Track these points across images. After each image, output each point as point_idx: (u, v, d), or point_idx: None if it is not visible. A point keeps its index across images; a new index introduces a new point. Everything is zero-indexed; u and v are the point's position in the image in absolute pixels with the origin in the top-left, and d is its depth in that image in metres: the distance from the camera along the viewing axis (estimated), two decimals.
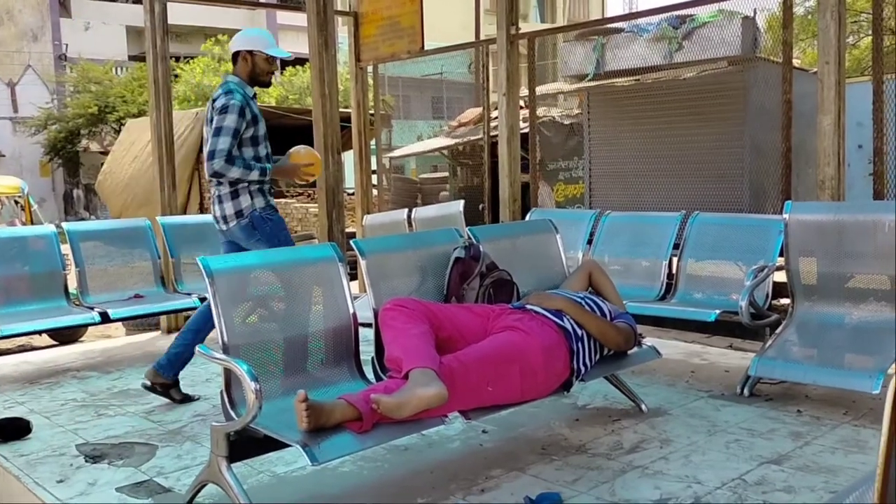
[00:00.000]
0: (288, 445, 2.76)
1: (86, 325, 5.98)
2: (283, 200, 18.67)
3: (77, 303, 5.61)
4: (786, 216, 4.31)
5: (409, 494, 3.11)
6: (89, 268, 5.76)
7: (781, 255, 4.46)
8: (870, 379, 3.59)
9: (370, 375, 3.35)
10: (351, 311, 3.34)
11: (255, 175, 4.27)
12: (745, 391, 4.17)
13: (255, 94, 4.43)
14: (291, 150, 4.51)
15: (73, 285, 5.70)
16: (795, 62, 6.67)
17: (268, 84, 4.36)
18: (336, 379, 3.29)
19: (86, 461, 3.59)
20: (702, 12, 8.54)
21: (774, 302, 4.74)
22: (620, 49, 9.10)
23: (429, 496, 3.07)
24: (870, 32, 16.17)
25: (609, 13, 30.41)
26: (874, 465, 3.13)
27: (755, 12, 8.62)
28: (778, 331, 4.26)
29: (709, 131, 7.47)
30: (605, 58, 9.24)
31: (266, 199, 4.41)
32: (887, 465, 1.29)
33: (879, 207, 4.35)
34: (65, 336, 7.67)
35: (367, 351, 3.36)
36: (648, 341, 4.11)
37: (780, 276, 4.52)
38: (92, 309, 5.32)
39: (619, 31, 9.30)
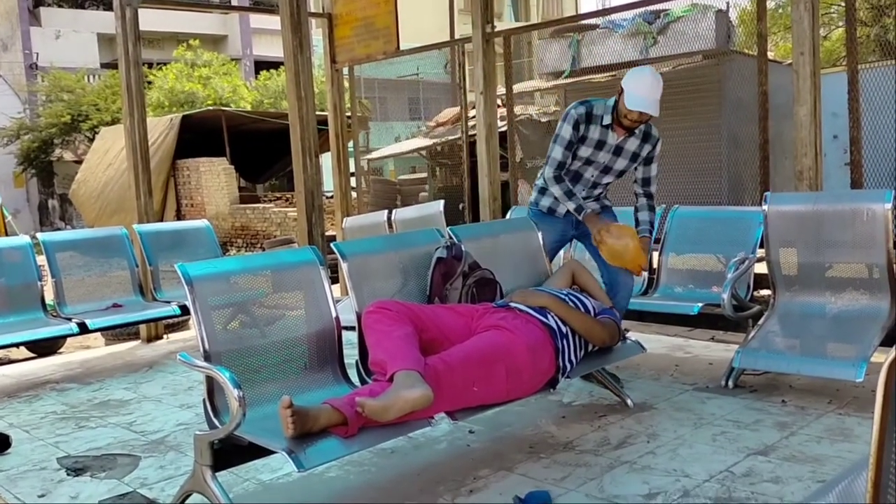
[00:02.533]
0: (273, 452, 2.73)
1: (64, 337, 5.90)
2: (260, 205, 18.61)
3: (54, 314, 5.53)
4: (765, 207, 4.33)
5: (397, 498, 3.08)
6: (66, 278, 5.68)
7: (761, 246, 4.48)
8: (853, 367, 3.60)
9: (355, 379, 3.32)
10: (333, 314, 3.31)
11: (569, 206, 4.21)
12: (730, 383, 4.19)
13: (610, 125, 4.15)
14: (628, 229, 4.22)
15: (49, 296, 5.62)
16: (769, 55, 6.71)
17: (626, 128, 4.13)
18: (320, 384, 3.26)
19: (67, 474, 3.53)
20: (675, 7, 8.60)
21: (756, 293, 4.75)
22: (596, 45, 9.13)
23: (417, 499, 3.05)
24: (840, 24, 16.35)
25: (582, 10, 30.48)
26: (860, 453, 3.16)
27: (728, 6, 8.69)
28: (760, 322, 4.27)
29: (686, 125, 7.52)
30: (580, 54, 9.27)
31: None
32: (880, 454, 1.28)
33: (857, 196, 4.38)
34: (43, 348, 7.56)
35: (350, 354, 3.33)
36: (632, 336, 4.11)
37: (761, 268, 4.54)
38: (70, 320, 5.24)
39: (595, 27, 9.33)
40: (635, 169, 4.32)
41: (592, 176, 4.30)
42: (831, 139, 7.35)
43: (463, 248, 3.73)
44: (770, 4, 15.88)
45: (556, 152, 4.18)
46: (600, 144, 4.18)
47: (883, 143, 7.03)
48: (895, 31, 13.11)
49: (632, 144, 4.21)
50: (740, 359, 4.04)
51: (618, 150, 4.22)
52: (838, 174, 7.75)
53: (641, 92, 3.95)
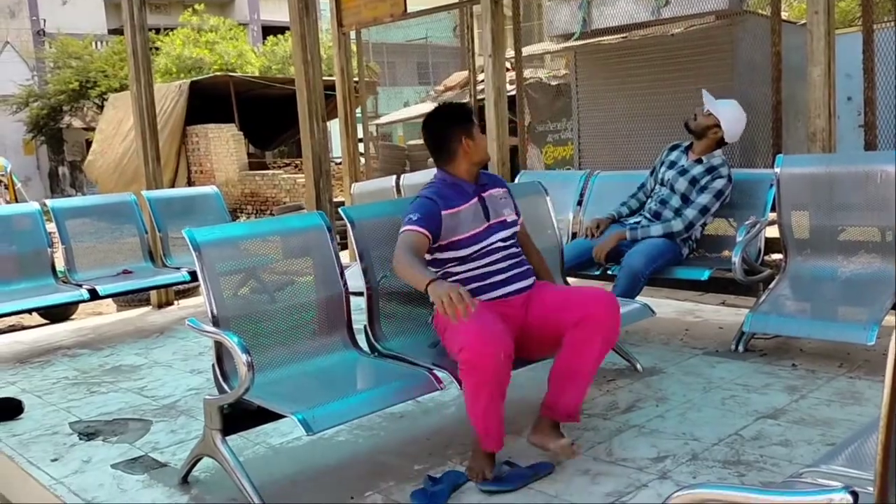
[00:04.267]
0: (282, 416, 2.74)
1: (75, 303, 5.92)
2: (269, 172, 18.59)
3: (65, 280, 5.56)
4: (777, 170, 4.27)
5: (406, 461, 3.10)
6: (76, 245, 5.70)
7: (772, 209, 4.43)
8: (864, 330, 3.58)
9: (363, 344, 3.32)
10: (342, 280, 3.30)
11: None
12: (740, 347, 4.17)
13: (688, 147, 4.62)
14: None
15: (60, 263, 5.64)
16: (783, 15, 6.60)
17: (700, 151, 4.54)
18: (329, 349, 3.26)
19: (80, 439, 3.57)
20: None
21: (766, 257, 4.71)
22: (607, 6, 8.99)
23: (426, 462, 3.06)
24: None
25: None
26: (870, 416, 3.14)
27: None
28: (771, 286, 4.24)
29: (698, 87, 7.41)
30: (591, 16, 9.14)
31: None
32: (890, 417, 1.27)
33: (872, 158, 4.32)
34: (55, 314, 7.61)
35: (359, 320, 3.33)
36: (641, 299, 4.09)
37: (771, 232, 4.49)
38: (80, 286, 5.26)
39: None
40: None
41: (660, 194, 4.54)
42: (845, 101, 7.25)
43: None
44: None
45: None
46: (673, 164, 4.57)
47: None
48: None
49: (695, 171, 4.45)
50: (750, 322, 4.01)
51: (683, 172, 4.48)
52: (851, 136, 7.65)
53: (738, 128, 4.49)
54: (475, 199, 3.16)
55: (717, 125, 4.45)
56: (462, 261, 3.10)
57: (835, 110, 4.47)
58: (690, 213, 4.37)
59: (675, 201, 4.47)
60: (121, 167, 18.03)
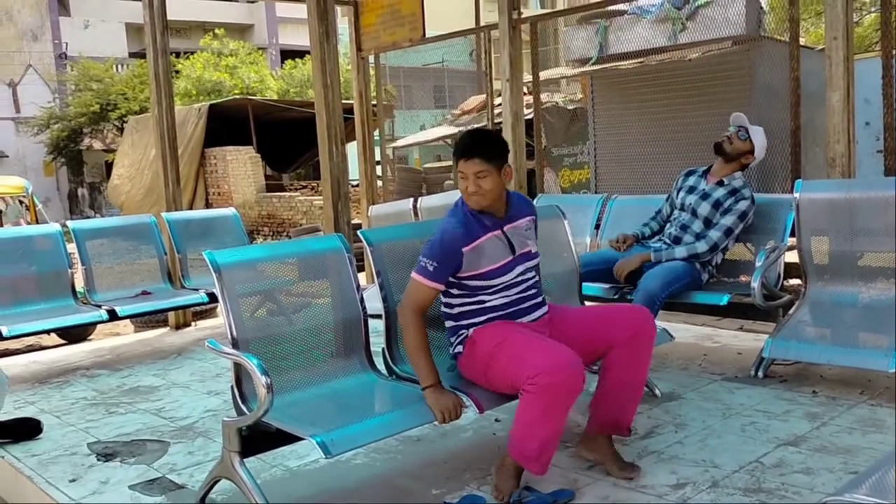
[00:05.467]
0: (300, 439, 2.74)
1: (94, 324, 5.95)
2: (286, 194, 18.70)
3: (84, 301, 5.59)
4: (797, 195, 4.25)
5: (424, 485, 3.08)
6: (96, 266, 5.74)
7: (792, 234, 4.41)
8: (886, 357, 3.55)
9: (381, 367, 3.32)
10: (360, 302, 3.31)
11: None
12: (759, 373, 4.14)
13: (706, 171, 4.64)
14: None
15: (79, 284, 5.68)
16: (800, 41, 6.60)
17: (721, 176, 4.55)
18: (347, 371, 3.27)
19: (98, 460, 3.58)
20: None
21: (785, 283, 4.68)
22: (624, 31, 9.03)
23: (443, 487, 3.05)
24: (872, 10, 16.01)
25: None
26: (893, 444, 3.10)
27: None
28: (791, 311, 4.21)
29: (715, 112, 7.41)
30: (608, 41, 9.17)
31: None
32: None
33: (892, 184, 4.29)
34: (73, 335, 7.66)
35: (377, 342, 3.33)
36: (660, 324, 4.07)
37: (790, 257, 4.47)
38: (99, 307, 5.30)
39: (622, 13, 9.22)
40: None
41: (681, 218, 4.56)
42: (863, 126, 7.22)
43: None
44: None
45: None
46: (692, 189, 4.58)
47: None
48: None
49: (718, 194, 4.44)
50: (770, 348, 3.98)
51: (705, 196, 4.49)
52: (870, 161, 7.61)
53: (763, 154, 4.55)
54: (498, 231, 3.06)
55: (752, 151, 4.46)
56: (490, 290, 3.06)
57: (854, 136, 4.46)
58: (714, 234, 4.35)
59: (697, 226, 4.46)
60: (154, 193, 18.14)
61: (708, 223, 4.43)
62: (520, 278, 3.11)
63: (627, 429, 3.16)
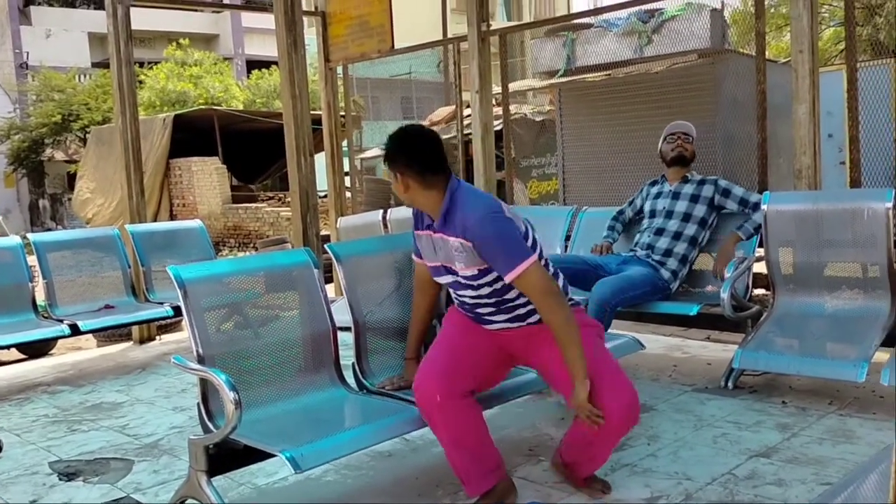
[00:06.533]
0: (269, 456, 2.68)
1: (55, 338, 5.82)
2: (253, 205, 18.53)
3: (46, 315, 5.47)
4: (764, 207, 4.29)
5: (395, 501, 3.04)
6: (57, 279, 5.62)
7: (760, 245, 4.44)
8: (854, 368, 3.57)
9: (351, 381, 3.27)
10: (329, 316, 3.26)
11: None
12: (730, 384, 4.15)
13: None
14: None
15: (41, 297, 5.55)
16: None
17: (677, 172, 4.74)
18: (316, 386, 3.22)
19: (60, 479, 3.48)
20: (670, 6, 8.57)
21: (752, 293, 4.71)
22: (591, 44, 9.09)
23: (415, 501, 3.00)
24: (831, 24, 16.30)
25: (574, 9, 30.46)
26: (863, 455, 3.13)
27: (723, 5, 8.67)
28: (760, 322, 4.23)
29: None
30: (575, 53, 9.23)
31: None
32: None
33: (858, 195, 4.35)
34: (34, 350, 7.48)
35: (346, 356, 3.28)
36: (630, 334, 4.08)
37: (757, 267, 4.50)
38: (61, 321, 5.18)
39: (589, 26, 9.29)
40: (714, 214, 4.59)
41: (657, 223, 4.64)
42: (826, 138, 7.32)
43: None
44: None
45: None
46: (658, 194, 4.74)
47: (878, 141, 7.01)
48: (886, 31, 13.14)
49: (689, 189, 4.60)
50: (740, 359, 4.00)
51: (676, 195, 4.63)
52: (833, 173, 7.73)
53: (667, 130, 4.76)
54: (429, 232, 2.92)
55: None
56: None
57: (820, 147, 4.52)
58: (755, 196, 4.48)
59: (674, 225, 4.54)
60: (123, 203, 17.84)
61: (688, 217, 4.54)
62: (463, 290, 2.89)
63: (583, 479, 2.96)
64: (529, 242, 2.81)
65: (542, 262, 2.84)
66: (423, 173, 2.79)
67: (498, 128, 7.61)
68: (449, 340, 3.00)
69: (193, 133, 18.17)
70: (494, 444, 2.88)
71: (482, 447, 2.83)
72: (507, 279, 2.71)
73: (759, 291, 5.47)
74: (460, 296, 2.98)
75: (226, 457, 2.79)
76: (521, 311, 2.91)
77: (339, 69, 8.44)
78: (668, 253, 4.49)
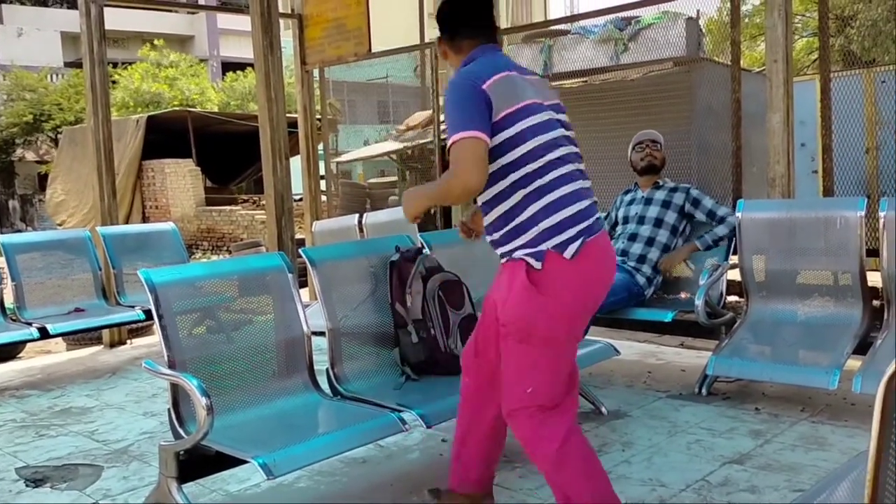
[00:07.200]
0: (241, 462, 2.65)
1: (24, 342, 5.73)
2: (227, 208, 18.38)
3: (14, 318, 5.38)
4: (739, 214, 4.32)
5: None
6: (26, 281, 5.53)
7: (734, 253, 4.47)
8: (826, 375, 3.59)
9: (325, 387, 3.24)
10: (303, 321, 3.23)
11: None
12: (703, 390, 4.17)
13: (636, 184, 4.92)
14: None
15: (9, 300, 5.46)
16: None
17: (648, 178, 4.82)
18: (290, 391, 3.18)
19: (26, 486, 3.41)
20: (646, 14, 8.62)
21: (727, 300, 4.75)
22: (567, 51, 9.12)
23: None
24: (804, 35, 16.49)
25: (551, 15, 30.59)
26: (835, 462, 3.14)
27: (698, 14, 8.73)
28: (733, 329, 4.26)
29: (656, 132, 7.54)
30: (552, 60, 9.25)
31: None
32: (877, 469, 1.24)
33: (831, 204, 4.39)
34: (2, 353, 7.35)
35: (321, 361, 3.25)
36: (604, 340, 4.08)
37: (732, 275, 4.53)
38: (30, 324, 5.10)
39: (566, 33, 9.32)
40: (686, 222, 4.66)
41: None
42: (799, 147, 7.40)
43: (424, 251, 3.65)
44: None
45: None
46: (631, 201, 4.81)
47: (851, 151, 7.09)
48: (858, 42, 13.33)
49: (660, 195, 4.67)
50: (714, 366, 4.02)
51: (648, 201, 4.70)
52: (806, 181, 7.81)
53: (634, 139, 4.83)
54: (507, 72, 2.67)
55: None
56: None
57: (793, 156, 4.56)
58: (723, 209, 4.54)
59: (647, 230, 4.60)
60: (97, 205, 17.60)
61: (659, 223, 4.60)
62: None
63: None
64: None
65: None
66: (452, 38, 2.75)
67: None
68: None
69: (167, 134, 17.99)
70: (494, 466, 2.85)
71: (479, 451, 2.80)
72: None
73: (733, 298, 5.52)
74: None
75: (197, 463, 2.76)
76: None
77: (316, 72, 8.40)
78: (642, 259, 4.52)
